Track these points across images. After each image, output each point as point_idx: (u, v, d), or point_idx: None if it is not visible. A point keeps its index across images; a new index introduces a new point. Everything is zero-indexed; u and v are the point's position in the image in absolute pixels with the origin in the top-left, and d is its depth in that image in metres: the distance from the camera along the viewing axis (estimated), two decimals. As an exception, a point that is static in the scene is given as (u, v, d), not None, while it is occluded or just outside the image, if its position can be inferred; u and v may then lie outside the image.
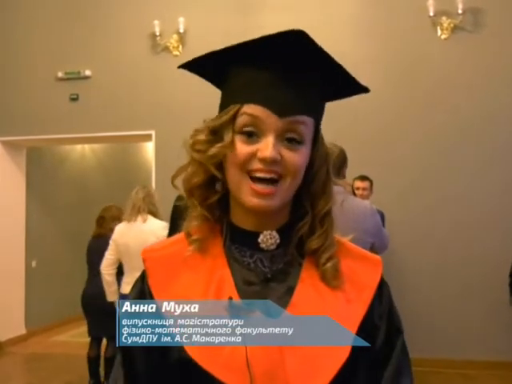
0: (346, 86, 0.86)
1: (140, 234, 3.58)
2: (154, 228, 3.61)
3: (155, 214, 3.72)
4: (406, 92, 5.13)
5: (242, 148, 0.78)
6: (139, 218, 3.66)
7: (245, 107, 0.78)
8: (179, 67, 0.86)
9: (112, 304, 3.79)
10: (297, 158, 0.79)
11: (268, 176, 0.78)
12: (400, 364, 0.84)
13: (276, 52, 0.77)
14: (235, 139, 0.79)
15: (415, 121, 5.10)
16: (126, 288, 3.67)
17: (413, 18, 5.15)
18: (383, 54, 5.19)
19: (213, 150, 0.80)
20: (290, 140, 0.79)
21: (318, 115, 0.83)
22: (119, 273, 3.85)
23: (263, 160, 0.77)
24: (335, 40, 4.70)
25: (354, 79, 0.84)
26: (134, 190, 3.78)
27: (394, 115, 5.14)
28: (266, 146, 0.76)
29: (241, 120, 0.78)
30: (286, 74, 0.78)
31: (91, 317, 4.28)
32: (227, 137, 0.79)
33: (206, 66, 0.85)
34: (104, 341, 4.33)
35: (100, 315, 4.07)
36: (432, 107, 5.06)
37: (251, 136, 0.78)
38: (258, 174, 0.78)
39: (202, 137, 0.82)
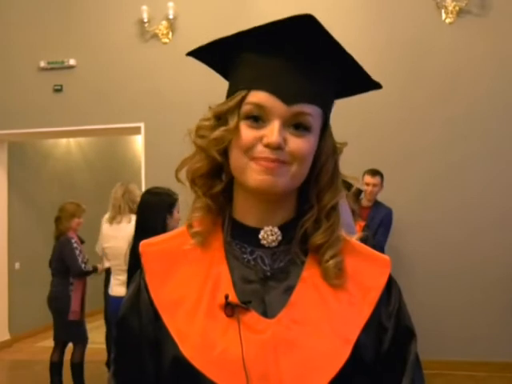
0: (357, 78, 0.88)
1: (128, 237, 3.66)
2: None
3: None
4: (411, 82, 5.09)
5: (247, 133, 0.80)
6: (124, 220, 3.78)
7: (251, 94, 0.80)
8: (187, 55, 0.88)
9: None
10: (303, 144, 0.80)
11: (273, 156, 0.79)
12: (415, 377, 0.86)
13: (283, 38, 0.80)
14: (240, 124, 0.81)
15: (422, 112, 5.05)
16: (116, 290, 3.77)
17: (415, 1, 5.11)
18: (383, 41, 5.15)
19: (216, 134, 0.83)
20: (296, 126, 0.80)
21: (326, 105, 0.85)
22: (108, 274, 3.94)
23: (268, 145, 0.78)
24: (336, 26, 4.67)
25: (364, 72, 0.86)
26: (113, 189, 3.93)
27: (400, 106, 5.11)
28: (272, 132, 0.78)
29: (247, 108, 0.80)
30: (293, 60, 0.80)
31: (54, 320, 4.40)
32: (232, 121, 0.81)
33: (212, 54, 0.88)
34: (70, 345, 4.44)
35: (60, 318, 4.21)
36: (440, 97, 5.01)
37: (257, 121, 0.80)
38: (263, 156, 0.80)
39: (206, 122, 0.85)
